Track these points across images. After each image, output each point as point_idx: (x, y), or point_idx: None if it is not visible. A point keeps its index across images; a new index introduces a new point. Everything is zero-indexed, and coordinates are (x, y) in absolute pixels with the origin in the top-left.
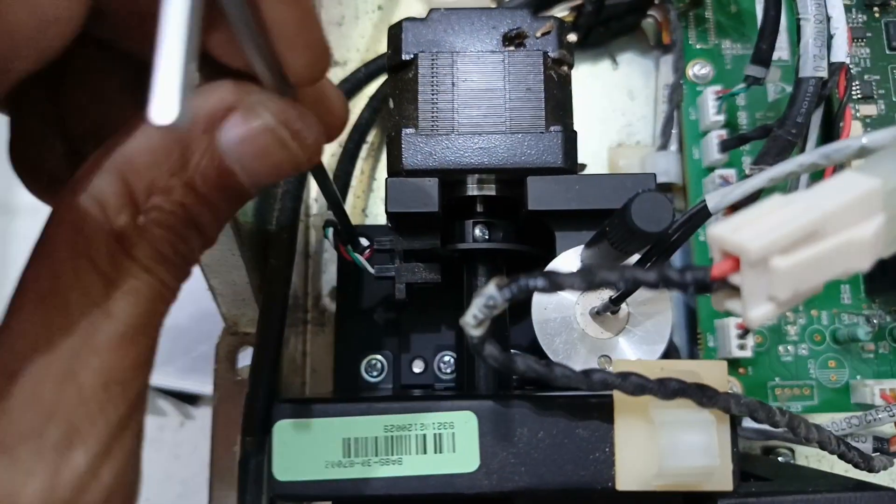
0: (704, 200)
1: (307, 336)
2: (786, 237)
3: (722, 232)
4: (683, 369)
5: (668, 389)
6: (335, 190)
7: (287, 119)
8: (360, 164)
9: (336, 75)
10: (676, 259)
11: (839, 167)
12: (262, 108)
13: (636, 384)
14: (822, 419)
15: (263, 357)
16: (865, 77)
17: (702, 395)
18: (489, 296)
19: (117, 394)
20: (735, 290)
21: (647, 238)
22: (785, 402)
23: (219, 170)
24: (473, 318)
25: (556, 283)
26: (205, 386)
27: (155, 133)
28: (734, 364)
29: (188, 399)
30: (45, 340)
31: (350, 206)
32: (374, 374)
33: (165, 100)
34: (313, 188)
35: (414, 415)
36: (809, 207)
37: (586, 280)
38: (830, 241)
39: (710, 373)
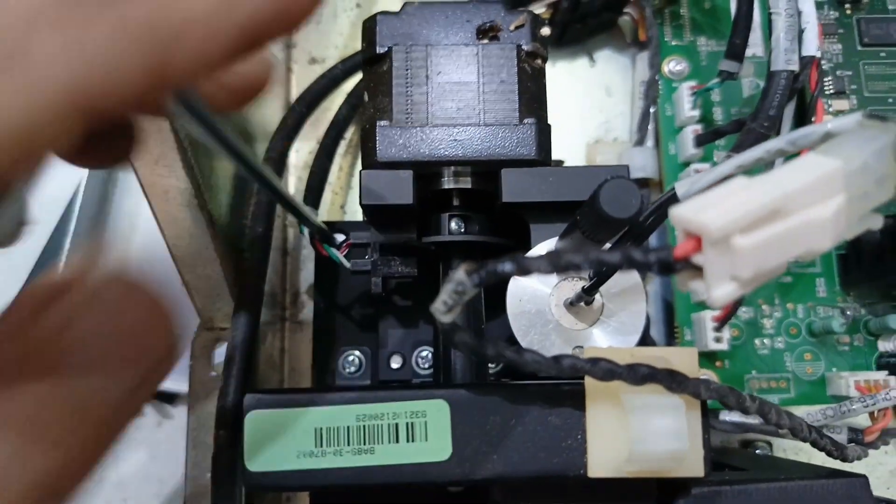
0: (674, 188)
1: (285, 333)
2: (747, 216)
3: (684, 212)
4: (654, 355)
5: (638, 375)
6: (288, 195)
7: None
8: (339, 161)
9: (314, 72)
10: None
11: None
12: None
13: (606, 369)
14: (799, 411)
15: (236, 350)
16: (838, 73)
17: (672, 380)
18: (458, 281)
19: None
20: (698, 271)
21: (617, 225)
22: (761, 394)
23: None
24: (443, 305)
25: (523, 266)
26: (182, 385)
27: None
28: (711, 357)
29: (166, 398)
30: None
31: (328, 202)
32: (352, 369)
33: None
34: (290, 184)
35: (386, 404)
36: (771, 187)
37: (553, 263)
38: (792, 220)
39: (681, 359)
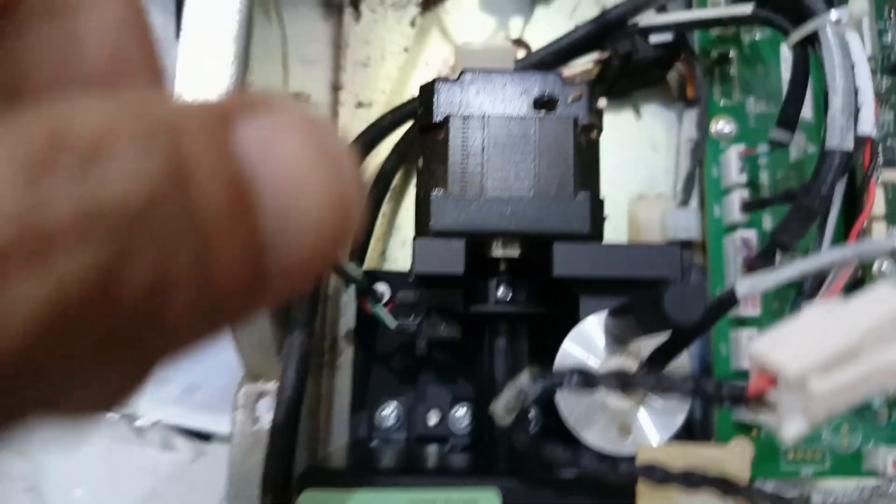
0: (734, 287)
1: (323, 379)
2: (824, 359)
3: (761, 349)
4: (707, 455)
5: (692, 481)
6: (355, 272)
7: (329, 131)
8: (382, 207)
9: (361, 117)
10: None
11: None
12: (295, 114)
13: (661, 477)
14: (833, 485)
15: (285, 410)
16: (888, 142)
17: (725, 487)
18: (521, 388)
19: None
20: (769, 405)
21: (676, 327)
22: (796, 465)
23: (233, 188)
24: (505, 407)
25: (590, 381)
26: (219, 425)
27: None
28: (747, 427)
29: (200, 436)
30: None
31: (369, 248)
32: (390, 422)
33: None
34: None
35: (438, 490)
36: (847, 325)
37: (622, 384)
38: (867, 362)
39: (733, 459)
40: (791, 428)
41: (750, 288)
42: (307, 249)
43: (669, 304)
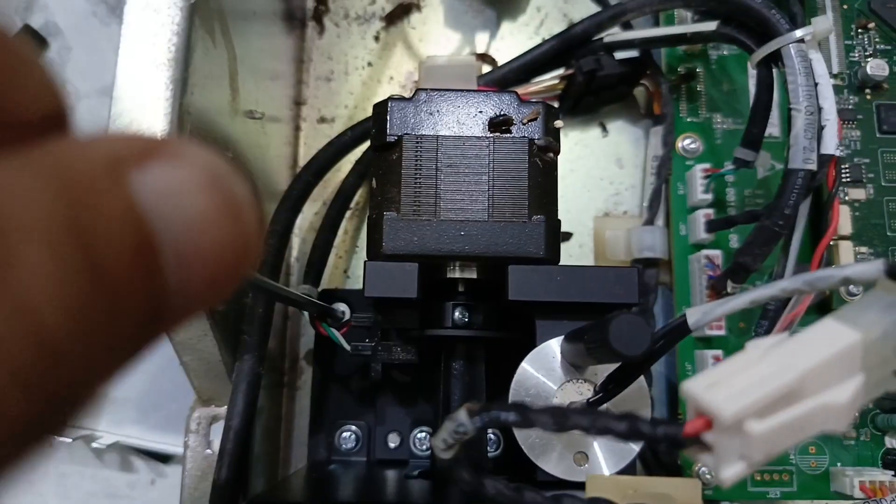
0: (685, 316)
1: (283, 399)
2: (761, 401)
3: (695, 390)
4: (656, 490)
5: None
6: (294, 294)
7: (224, 173)
8: (344, 224)
9: (323, 132)
10: None
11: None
12: (193, 157)
13: None
14: None
15: (232, 436)
16: (855, 160)
17: None
18: (460, 423)
19: None
20: (708, 448)
21: (624, 358)
22: (763, 487)
23: (134, 238)
24: (443, 443)
25: (528, 419)
26: (177, 446)
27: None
28: None
29: (160, 458)
30: None
31: (331, 265)
32: (349, 445)
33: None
34: (295, 246)
35: None
36: (788, 365)
37: (558, 422)
38: (807, 404)
39: (684, 492)
40: (728, 471)
41: (701, 316)
42: (204, 287)
43: (614, 337)
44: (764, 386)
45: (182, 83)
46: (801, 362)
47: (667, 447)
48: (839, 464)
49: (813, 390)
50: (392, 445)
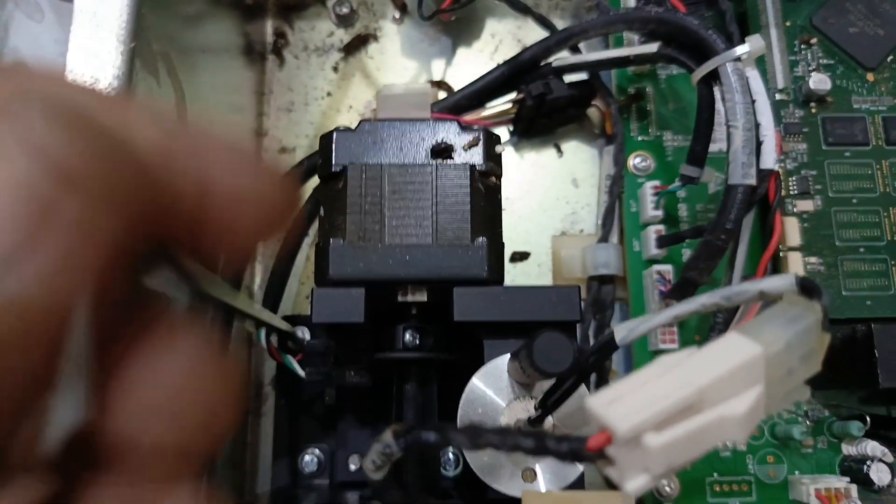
0: (612, 333)
1: (248, 427)
2: (657, 415)
3: (596, 406)
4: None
5: None
6: (259, 314)
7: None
8: (305, 250)
9: (286, 162)
10: (618, 353)
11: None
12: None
13: None
14: None
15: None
16: (802, 172)
17: None
18: (386, 444)
19: None
20: (611, 461)
21: (548, 375)
22: (722, 498)
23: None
24: (372, 464)
25: (446, 438)
26: None
27: None
28: None
29: None
30: None
31: (293, 291)
32: (312, 468)
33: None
34: (257, 272)
35: None
36: (688, 380)
37: (473, 441)
38: (704, 416)
39: None
40: (632, 483)
41: (627, 333)
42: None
43: (538, 355)
44: (662, 401)
45: None
46: (701, 377)
47: (572, 461)
48: (797, 472)
49: (711, 403)
50: (353, 467)
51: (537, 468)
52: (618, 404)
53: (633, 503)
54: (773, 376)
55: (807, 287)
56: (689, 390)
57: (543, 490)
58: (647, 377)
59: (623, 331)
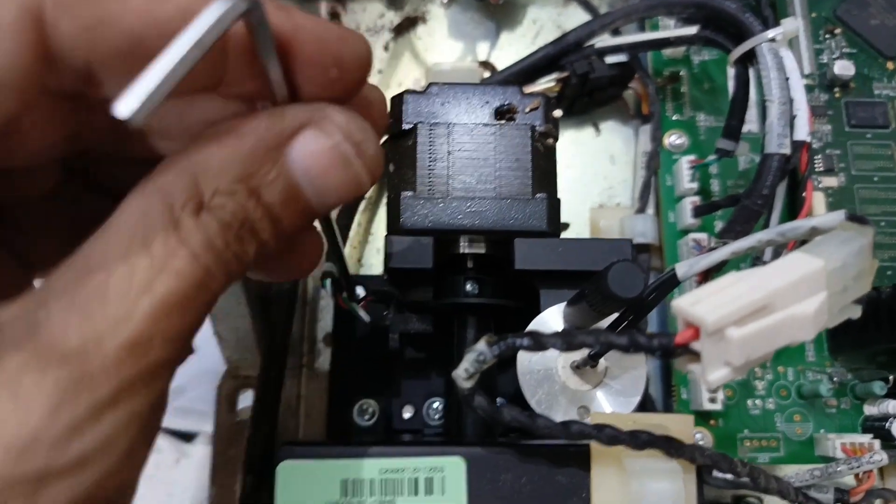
0: (674, 269)
1: (302, 380)
2: (739, 310)
3: (684, 304)
4: (653, 422)
5: (639, 441)
6: (339, 241)
7: (350, 133)
8: (358, 217)
9: None
10: (652, 317)
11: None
12: (329, 125)
13: (610, 435)
14: (788, 470)
15: (265, 402)
16: (827, 151)
17: (670, 446)
18: (480, 352)
19: (136, 359)
20: (696, 356)
21: (622, 302)
22: (753, 453)
23: (286, 185)
24: (465, 372)
25: (539, 342)
26: (200, 424)
27: (231, 143)
28: (705, 416)
29: (183, 437)
30: (85, 295)
31: (346, 256)
32: (366, 418)
33: (132, 98)
34: None
35: (407, 459)
36: (762, 284)
37: (566, 341)
38: (778, 315)
39: (678, 426)
40: (714, 374)
41: (688, 268)
42: (328, 200)
43: (612, 281)
44: (741, 299)
45: None
46: (773, 282)
47: (661, 356)
48: (822, 430)
49: (783, 305)
50: (407, 416)
51: (595, 404)
52: (702, 303)
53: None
54: (832, 290)
55: (857, 217)
56: (764, 292)
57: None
58: (723, 285)
59: (684, 267)
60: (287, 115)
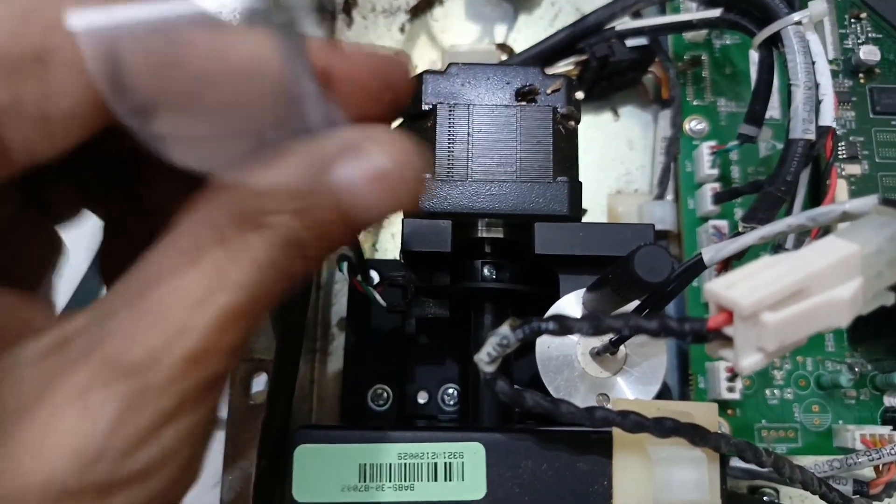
0: (700, 254)
1: (316, 364)
2: (774, 294)
3: (717, 288)
4: (678, 410)
5: (664, 428)
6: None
7: (395, 156)
8: None
9: None
10: (669, 306)
11: (824, 229)
12: (376, 148)
13: (635, 422)
14: (806, 461)
15: (280, 386)
16: (851, 138)
17: (695, 434)
18: (503, 335)
19: (195, 372)
20: (728, 341)
21: (648, 287)
22: (771, 443)
23: (333, 204)
24: (487, 356)
25: (565, 326)
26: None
27: (281, 164)
28: (723, 406)
29: None
30: (148, 308)
31: (361, 240)
32: (380, 402)
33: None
34: None
35: (426, 444)
36: (796, 268)
37: (594, 325)
38: (814, 299)
39: (703, 414)
40: (747, 360)
41: (715, 253)
42: (371, 218)
43: (639, 265)
44: (776, 283)
45: None
46: (808, 266)
47: (692, 341)
48: (841, 421)
49: (819, 289)
50: (421, 401)
51: (615, 391)
52: (736, 287)
53: (717, 417)
54: (868, 275)
55: (891, 201)
56: (800, 275)
57: None
58: (757, 269)
59: (711, 251)
60: (336, 137)
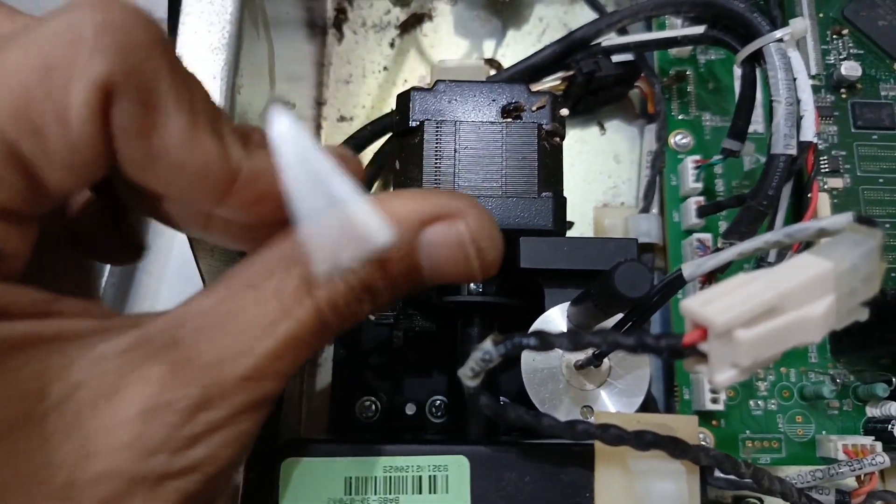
0: (680, 269)
1: (304, 376)
2: (748, 312)
3: (692, 305)
4: (658, 423)
5: (644, 441)
6: None
7: (478, 236)
8: None
9: (343, 130)
10: (655, 318)
11: (805, 243)
12: (461, 222)
13: (615, 435)
14: (789, 471)
15: None
16: (833, 152)
17: (674, 447)
18: (485, 351)
19: (251, 389)
20: (703, 357)
21: (629, 302)
22: (754, 453)
23: (411, 263)
24: (470, 371)
25: (546, 341)
26: None
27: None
28: (707, 416)
29: None
30: (219, 324)
31: None
32: (369, 414)
33: (375, 227)
34: None
35: (411, 457)
36: (771, 285)
37: (573, 341)
38: (787, 316)
39: (682, 426)
40: (721, 375)
41: (695, 269)
42: (441, 282)
43: (619, 280)
44: (750, 301)
45: (234, 65)
46: (782, 284)
47: (668, 357)
48: (824, 432)
49: (792, 306)
50: (409, 413)
51: (598, 404)
52: (711, 305)
53: (697, 428)
54: (841, 292)
55: (865, 219)
56: (774, 293)
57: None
58: (732, 286)
59: (691, 267)
60: (427, 199)
